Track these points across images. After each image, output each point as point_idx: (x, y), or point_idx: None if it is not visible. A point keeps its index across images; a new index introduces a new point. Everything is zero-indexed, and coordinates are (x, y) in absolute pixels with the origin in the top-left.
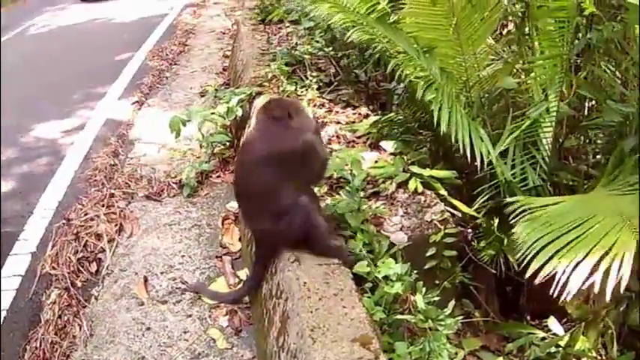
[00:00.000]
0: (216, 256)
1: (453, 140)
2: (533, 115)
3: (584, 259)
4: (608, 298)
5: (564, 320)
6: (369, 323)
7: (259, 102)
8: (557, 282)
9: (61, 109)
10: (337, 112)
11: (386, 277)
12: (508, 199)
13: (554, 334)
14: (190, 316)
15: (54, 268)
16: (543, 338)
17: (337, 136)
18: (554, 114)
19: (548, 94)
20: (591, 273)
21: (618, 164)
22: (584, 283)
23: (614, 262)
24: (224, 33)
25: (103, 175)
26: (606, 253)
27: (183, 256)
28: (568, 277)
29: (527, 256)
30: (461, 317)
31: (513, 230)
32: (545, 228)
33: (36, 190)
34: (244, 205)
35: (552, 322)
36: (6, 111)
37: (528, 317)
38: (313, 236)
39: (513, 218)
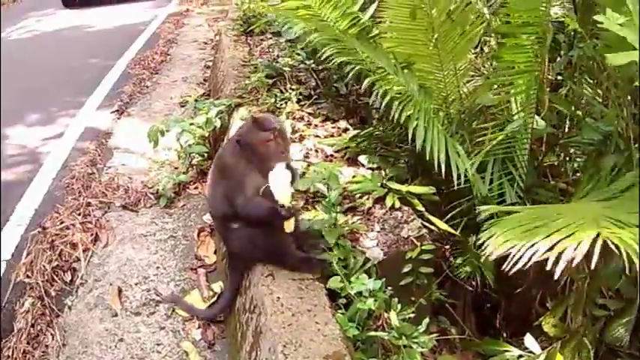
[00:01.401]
0: (191, 269)
1: (429, 156)
2: (507, 130)
3: (541, 240)
4: (556, 276)
5: (541, 338)
6: (342, 340)
7: (238, 114)
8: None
9: (40, 116)
10: (316, 125)
11: (359, 293)
12: (481, 208)
13: (530, 352)
14: (164, 328)
15: (28, 276)
16: (520, 356)
17: (315, 150)
18: (530, 130)
19: (523, 109)
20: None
21: (593, 181)
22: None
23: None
24: (206, 43)
25: (81, 184)
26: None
27: (158, 267)
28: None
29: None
30: (436, 334)
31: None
32: (512, 226)
33: (13, 196)
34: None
35: (529, 340)
36: None
37: (505, 335)
38: (279, 254)
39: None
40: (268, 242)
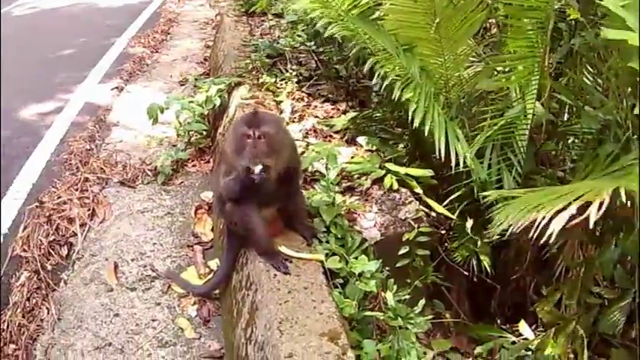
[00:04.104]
0: (188, 245)
1: (429, 139)
2: (507, 116)
3: (563, 208)
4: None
5: (535, 325)
6: (338, 318)
7: (238, 93)
8: (538, 228)
9: (40, 91)
10: (316, 106)
11: (360, 274)
12: (484, 193)
13: (524, 338)
14: (159, 304)
15: (25, 250)
16: (513, 342)
17: (314, 130)
18: (530, 117)
19: (523, 96)
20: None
21: (590, 168)
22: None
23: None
24: (207, 23)
25: (79, 159)
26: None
27: (154, 243)
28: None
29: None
30: (431, 317)
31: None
32: (522, 204)
33: (10, 171)
34: None
35: (523, 326)
36: None
37: (499, 320)
38: (250, 238)
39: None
40: (244, 223)
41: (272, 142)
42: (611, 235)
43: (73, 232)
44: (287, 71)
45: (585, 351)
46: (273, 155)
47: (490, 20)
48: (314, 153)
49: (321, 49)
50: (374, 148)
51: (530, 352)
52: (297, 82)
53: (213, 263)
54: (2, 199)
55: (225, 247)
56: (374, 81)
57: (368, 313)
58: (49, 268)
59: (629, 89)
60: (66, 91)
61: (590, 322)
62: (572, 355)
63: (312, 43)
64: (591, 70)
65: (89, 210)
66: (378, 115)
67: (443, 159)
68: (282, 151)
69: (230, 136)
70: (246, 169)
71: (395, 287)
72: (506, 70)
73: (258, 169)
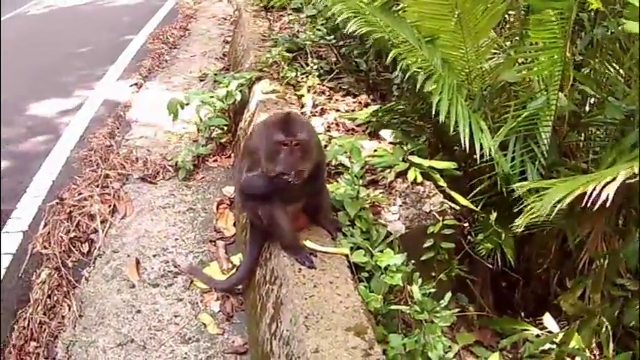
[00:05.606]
0: (210, 241)
1: (453, 131)
2: (531, 107)
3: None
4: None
5: (559, 318)
6: (364, 312)
7: (259, 87)
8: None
9: (59, 89)
10: (337, 100)
11: (386, 268)
12: (517, 184)
13: (549, 331)
14: (182, 300)
15: (45, 247)
16: (537, 335)
17: (337, 124)
18: (553, 108)
19: (546, 87)
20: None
21: (614, 157)
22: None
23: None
24: (225, 19)
25: (99, 156)
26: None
27: (176, 239)
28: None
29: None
30: (457, 310)
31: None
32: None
33: (30, 168)
34: None
35: (547, 319)
36: (5, 89)
37: (522, 313)
38: (274, 233)
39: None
40: (268, 217)
41: (306, 148)
42: (636, 226)
43: (93, 228)
44: (308, 65)
45: (611, 343)
46: (307, 159)
47: (510, 12)
48: (337, 146)
49: (341, 43)
50: (397, 140)
51: (554, 346)
52: (318, 76)
53: (236, 258)
54: (22, 196)
55: (248, 241)
56: (395, 74)
57: (393, 307)
58: (70, 264)
59: None
60: (85, 88)
61: (614, 315)
62: (596, 348)
63: (332, 36)
64: (613, 60)
65: (110, 206)
66: (399, 107)
67: (466, 151)
68: (314, 153)
69: (262, 140)
70: (281, 174)
71: (420, 280)
72: (529, 61)
73: (293, 174)
